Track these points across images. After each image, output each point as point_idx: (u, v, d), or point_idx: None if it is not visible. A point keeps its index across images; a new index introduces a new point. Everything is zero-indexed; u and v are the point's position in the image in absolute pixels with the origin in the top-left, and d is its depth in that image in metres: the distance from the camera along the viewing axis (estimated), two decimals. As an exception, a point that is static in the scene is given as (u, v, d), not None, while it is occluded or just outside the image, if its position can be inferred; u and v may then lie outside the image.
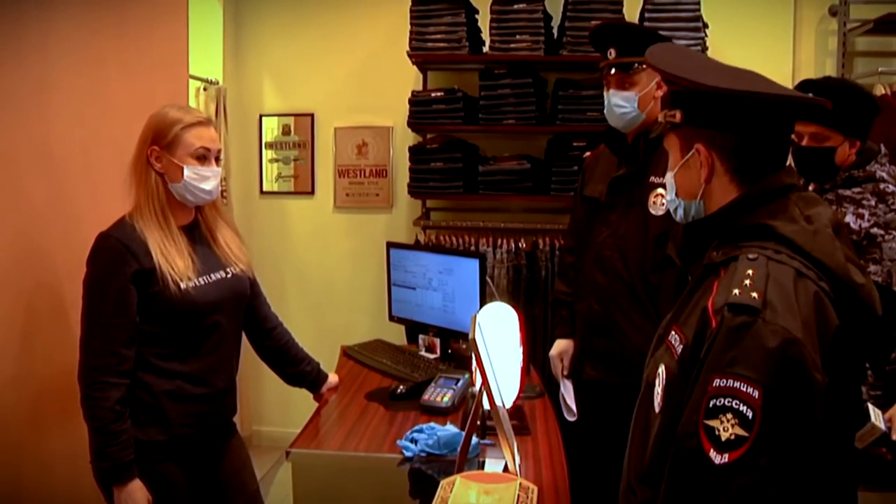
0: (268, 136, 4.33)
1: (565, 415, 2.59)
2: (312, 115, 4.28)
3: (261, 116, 4.32)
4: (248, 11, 4.28)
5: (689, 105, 1.28)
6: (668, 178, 1.39)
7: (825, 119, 2.19)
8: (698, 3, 3.47)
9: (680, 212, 1.38)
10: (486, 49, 3.74)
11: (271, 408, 4.36)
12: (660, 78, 2.36)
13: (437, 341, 2.78)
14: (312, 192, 4.32)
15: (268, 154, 4.34)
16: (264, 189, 4.37)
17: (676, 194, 1.37)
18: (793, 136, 2.33)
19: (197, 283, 1.94)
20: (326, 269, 4.32)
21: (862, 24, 3.63)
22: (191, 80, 3.70)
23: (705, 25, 3.48)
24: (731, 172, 1.28)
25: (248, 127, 4.33)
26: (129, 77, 2.59)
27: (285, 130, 4.31)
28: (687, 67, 1.30)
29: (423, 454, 1.89)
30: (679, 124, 1.30)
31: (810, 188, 2.40)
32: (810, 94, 2.15)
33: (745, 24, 3.80)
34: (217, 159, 2.00)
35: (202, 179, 1.94)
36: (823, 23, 3.83)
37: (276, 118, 4.32)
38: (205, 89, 3.95)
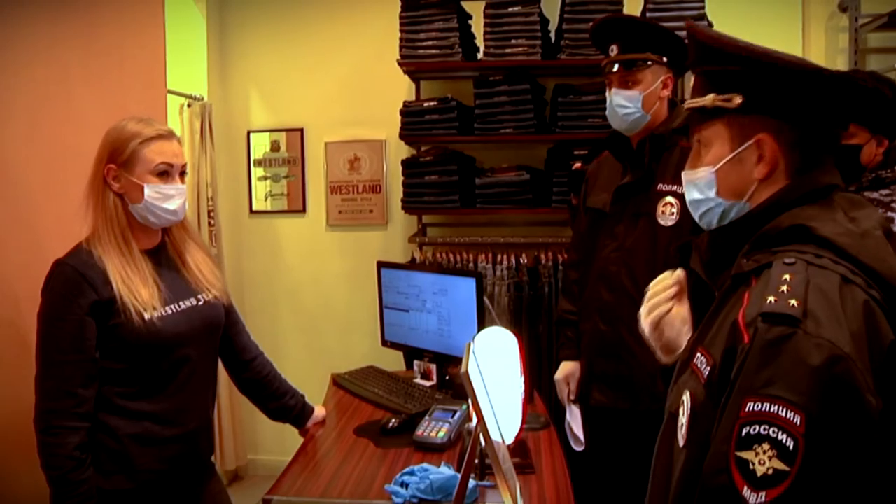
0: (256, 153, 4.17)
1: (572, 444, 2.41)
2: (302, 130, 4.12)
3: (248, 133, 4.17)
4: (233, 24, 4.13)
5: (753, 88, 1.11)
6: (703, 173, 1.20)
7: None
8: (702, 1, 3.31)
9: (713, 216, 1.20)
10: (480, 55, 3.57)
11: (266, 436, 4.19)
12: (665, 76, 2.20)
13: (434, 367, 2.59)
14: (304, 210, 4.16)
15: (257, 172, 4.18)
16: (254, 208, 4.21)
17: (717, 193, 1.18)
18: None
19: (163, 312, 1.77)
20: (320, 289, 4.16)
21: (874, 19, 3.45)
22: (175, 97, 3.58)
23: (710, 24, 3.31)
24: (788, 170, 1.12)
25: (235, 144, 4.17)
26: (97, 89, 2.45)
27: (274, 147, 4.15)
28: (745, 44, 1.13)
29: (414, 500, 1.70)
30: (734, 111, 1.13)
31: None
32: None
33: (751, 23, 3.63)
34: (182, 175, 1.83)
35: (165, 198, 1.77)
36: (833, 19, 3.66)
37: (264, 134, 4.16)
38: (189, 105, 3.82)
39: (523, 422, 1.86)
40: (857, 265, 1.00)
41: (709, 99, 1.15)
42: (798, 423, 0.88)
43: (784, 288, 0.96)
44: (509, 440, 1.76)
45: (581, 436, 2.40)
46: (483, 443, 1.49)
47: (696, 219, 1.25)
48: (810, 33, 3.70)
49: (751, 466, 0.90)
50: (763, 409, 0.90)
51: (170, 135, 1.81)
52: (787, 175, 1.12)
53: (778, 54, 1.09)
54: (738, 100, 1.12)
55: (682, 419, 1.07)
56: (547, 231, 3.69)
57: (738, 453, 0.91)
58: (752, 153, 1.13)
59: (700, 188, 1.21)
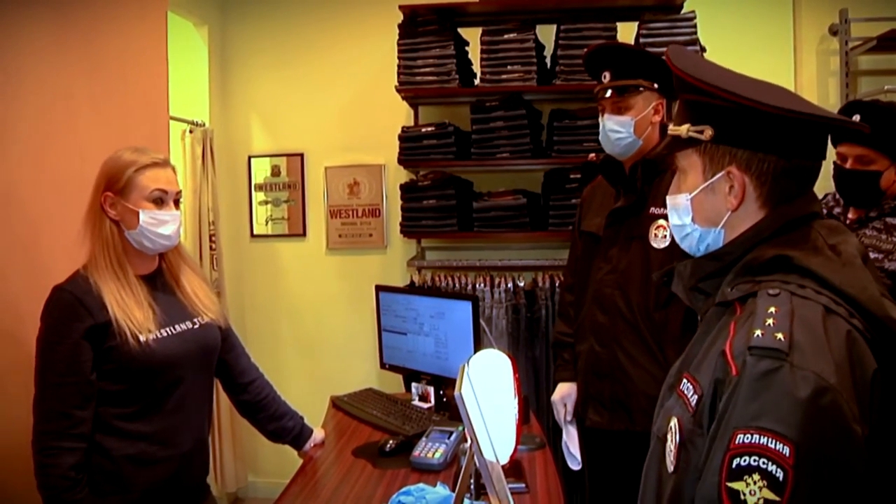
0: (257, 178, 4.22)
1: (569, 463, 2.42)
2: (302, 155, 4.16)
3: (249, 158, 4.21)
4: (234, 51, 4.20)
5: (723, 121, 1.13)
6: (681, 200, 1.23)
7: (873, 142, 2.12)
8: (695, 27, 3.36)
9: (692, 240, 1.23)
10: (477, 81, 3.61)
11: (267, 458, 4.19)
12: (657, 102, 2.24)
13: (431, 390, 2.61)
14: (304, 234, 4.19)
15: (257, 196, 4.22)
16: (255, 232, 4.25)
17: (693, 220, 1.22)
18: (836, 159, 2.28)
19: (158, 335, 1.80)
20: (320, 312, 4.19)
21: (864, 42, 3.51)
22: (176, 123, 3.63)
23: (703, 49, 3.36)
24: (762, 199, 1.14)
25: (236, 169, 4.22)
26: (101, 116, 2.49)
27: (275, 171, 4.19)
28: (718, 76, 1.14)
29: (410, 520, 1.72)
30: (706, 142, 1.15)
31: (850, 214, 2.29)
32: (857, 116, 2.10)
33: (743, 47, 3.70)
34: (177, 202, 1.88)
35: (160, 224, 1.81)
36: (824, 42, 3.71)
37: (265, 159, 4.21)
38: (191, 131, 3.86)
39: (518, 442, 1.88)
40: (839, 294, 1.02)
41: (683, 129, 1.18)
42: (787, 454, 0.89)
43: (770, 321, 0.98)
44: (504, 460, 1.77)
45: (578, 455, 2.42)
46: (477, 463, 1.52)
47: (678, 241, 1.28)
48: (802, 56, 3.76)
49: (742, 497, 0.91)
50: (753, 440, 0.92)
51: (164, 163, 1.86)
52: (763, 204, 1.14)
53: (743, 89, 1.10)
54: (709, 132, 1.14)
55: (671, 445, 1.09)
56: (544, 254, 3.73)
57: (729, 484, 0.92)
58: (724, 184, 1.15)
59: (679, 214, 1.24)
